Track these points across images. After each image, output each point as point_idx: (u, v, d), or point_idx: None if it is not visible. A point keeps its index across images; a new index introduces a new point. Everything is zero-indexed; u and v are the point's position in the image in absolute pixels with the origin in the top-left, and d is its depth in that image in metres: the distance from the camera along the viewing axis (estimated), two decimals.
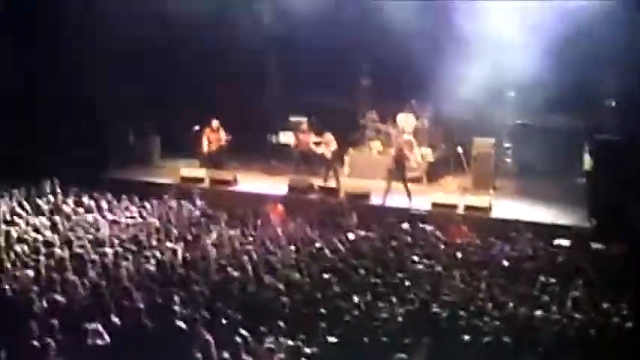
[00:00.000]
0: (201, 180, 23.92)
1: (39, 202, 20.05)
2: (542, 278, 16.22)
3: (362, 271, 16.15)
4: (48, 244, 16.95)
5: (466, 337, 13.10)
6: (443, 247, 18.71)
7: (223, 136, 24.84)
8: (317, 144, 24.32)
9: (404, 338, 12.95)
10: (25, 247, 16.64)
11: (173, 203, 21.06)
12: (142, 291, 14.45)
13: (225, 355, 11.98)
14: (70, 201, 20.41)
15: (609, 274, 16.91)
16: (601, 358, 12.96)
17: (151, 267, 16.00)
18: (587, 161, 22.64)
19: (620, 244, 18.96)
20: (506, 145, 25.71)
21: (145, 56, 24.82)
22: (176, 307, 13.54)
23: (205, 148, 24.85)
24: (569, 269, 17.15)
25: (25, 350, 11.82)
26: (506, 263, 17.48)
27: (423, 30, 23.85)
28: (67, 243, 17.07)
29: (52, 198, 20.46)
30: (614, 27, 21.75)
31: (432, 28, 24.01)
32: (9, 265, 15.56)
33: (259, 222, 20.16)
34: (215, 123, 24.80)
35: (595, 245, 19.35)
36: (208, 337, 12.26)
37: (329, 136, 24.05)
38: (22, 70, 24.46)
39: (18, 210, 19.38)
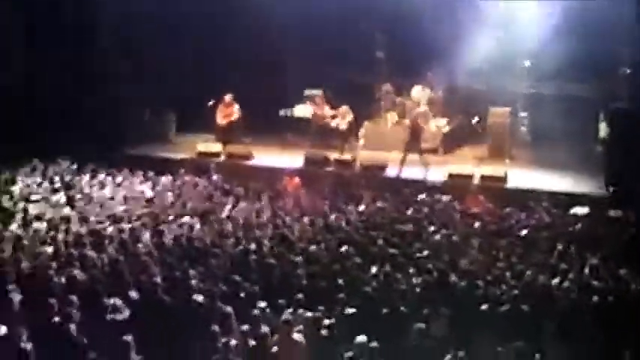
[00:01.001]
0: (217, 155, 23.93)
1: (56, 179, 20.15)
2: (559, 246, 16.19)
3: (380, 242, 16.16)
4: (66, 220, 17.05)
5: (484, 307, 13.11)
6: (460, 217, 18.72)
7: (237, 111, 24.78)
8: (332, 117, 24.28)
9: (422, 308, 12.95)
10: (44, 224, 16.74)
11: (189, 178, 21.12)
12: (159, 266, 14.53)
13: (244, 327, 12.04)
14: (87, 177, 20.52)
15: (626, 241, 16.89)
16: (619, 325, 12.93)
17: (169, 242, 16.08)
18: (603, 129, 22.54)
19: (636, 211, 18.91)
20: (522, 114, 25.61)
21: (160, 32, 24.78)
22: (194, 281, 13.61)
23: (219, 122, 24.83)
24: (587, 237, 17.13)
25: (46, 326, 11.88)
26: (523, 232, 17.46)
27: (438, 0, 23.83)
28: (85, 219, 17.17)
29: (68, 175, 20.56)
30: None
31: None
32: (27, 242, 15.64)
33: (276, 195, 20.17)
34: (228, 97, 24.72)
35: (612, 213, 19.31)
36: (227, 309, 12.30)
37: (344, 109, 24.01)
38: (38, 48, 24.45)
39: (35, 187, 19.48)
